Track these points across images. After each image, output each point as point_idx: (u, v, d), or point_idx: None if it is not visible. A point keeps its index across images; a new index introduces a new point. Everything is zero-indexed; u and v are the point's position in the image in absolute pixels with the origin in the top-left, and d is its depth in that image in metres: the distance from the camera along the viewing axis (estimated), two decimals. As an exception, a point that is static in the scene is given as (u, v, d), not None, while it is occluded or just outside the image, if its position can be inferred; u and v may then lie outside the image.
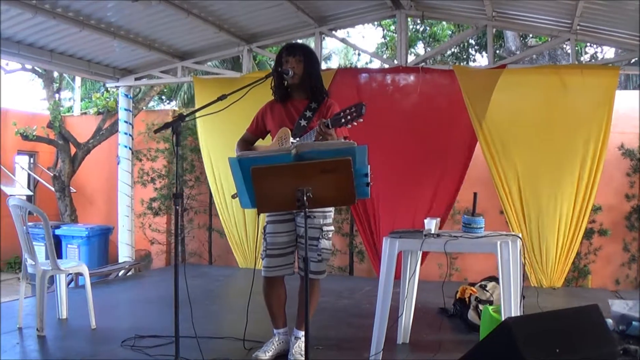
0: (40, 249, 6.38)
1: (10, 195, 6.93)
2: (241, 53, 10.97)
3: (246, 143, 5.63)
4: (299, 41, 10.19)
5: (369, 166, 4.27)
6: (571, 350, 3.52)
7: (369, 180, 4.29)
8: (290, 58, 5.36)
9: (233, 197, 5.01)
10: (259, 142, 5.71)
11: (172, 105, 21.19)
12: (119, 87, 11.88)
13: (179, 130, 4.64)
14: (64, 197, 14.16)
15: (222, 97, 4.87)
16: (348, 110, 4.81)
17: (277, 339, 5.51)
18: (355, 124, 4.81)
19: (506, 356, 3.39)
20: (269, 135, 5.65)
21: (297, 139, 5.19)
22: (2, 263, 14.80)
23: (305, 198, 4.10)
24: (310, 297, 5.21)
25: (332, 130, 4.89)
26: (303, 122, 5.32)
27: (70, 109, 19.99)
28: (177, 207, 4.70)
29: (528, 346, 3.35)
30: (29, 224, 6.33)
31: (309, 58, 5.43)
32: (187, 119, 4.85)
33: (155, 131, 5.01)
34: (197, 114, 4.99)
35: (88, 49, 10.34)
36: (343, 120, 4.81)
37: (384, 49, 18.85)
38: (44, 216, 6.24)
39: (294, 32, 10.65)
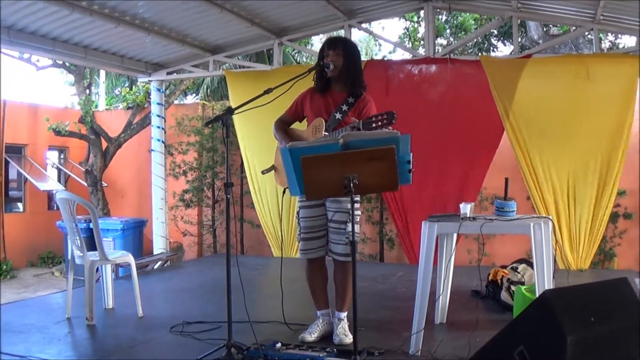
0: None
1: (58, 190, 7.14)
2: (272, 46, 11.15)
3: (283, 123, 5.86)
4: (323, 35, 10.36)
5: (411, 154, 4.50)
6: (605, 319, 3.76)
7: (411, 167, 4.52)
8: (331, 52, 5.58)
9: (263, 172, 5.34)
10: (296, 125, 5.94)
11: (195, 99, 21.29)
12: (151, 81, 12.10)
13: (229, 122, 4.92)
14: (96, 192, 14.38)
15: (268, 91, 5.09)
16: (380, 117, 5.11)
17: (321, 321, 5.69)
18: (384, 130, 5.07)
19: (545, 326, 3.64)
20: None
21: (329, 132, 5.44)
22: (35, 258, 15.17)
23: (351, 185, 4.34)
24: (345, 279, 5.52)
25: (362, 132, 5.11)
26: (338, 115, 5.53)
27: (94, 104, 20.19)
28: (228, 196, 4.98)
29: (565, 316, 3.60)
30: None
31: (348, 51, 5.65)
32: (236, 112, 5.11)
33: (207, 124, 5.29)
34: (245, 108, 5.19)
35: (121, 45, 10.60)
36: (374, 125, 5.10)
37: (407, 39, 19.00)
38: (92, 208, 6.52)
39: (324, 25, 10.85)
